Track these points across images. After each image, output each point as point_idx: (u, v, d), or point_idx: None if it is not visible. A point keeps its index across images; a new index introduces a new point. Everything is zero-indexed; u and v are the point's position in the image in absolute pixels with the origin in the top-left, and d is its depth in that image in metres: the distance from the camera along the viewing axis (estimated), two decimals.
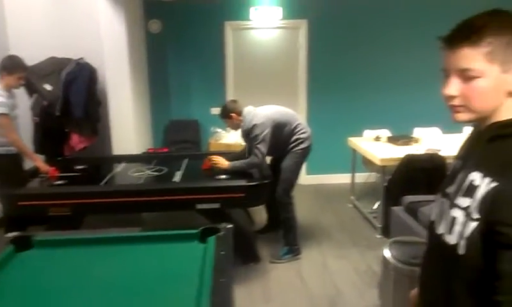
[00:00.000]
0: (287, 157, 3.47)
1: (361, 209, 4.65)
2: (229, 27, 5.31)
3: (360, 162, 4.77)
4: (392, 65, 5.50)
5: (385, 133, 4.84)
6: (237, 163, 3.33)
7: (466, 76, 0.95)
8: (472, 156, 1.05)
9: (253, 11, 5.17)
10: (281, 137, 3.42)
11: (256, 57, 5.45)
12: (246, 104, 3.62)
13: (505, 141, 0.98)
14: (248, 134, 3.34)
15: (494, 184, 0.91)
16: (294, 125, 3.45)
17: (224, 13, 5.25)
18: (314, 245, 3.89)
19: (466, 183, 0.99)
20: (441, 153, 3.85)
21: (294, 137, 3.44)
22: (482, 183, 0.94)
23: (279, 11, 5.19)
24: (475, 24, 0.94)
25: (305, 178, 5.77)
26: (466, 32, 0.94)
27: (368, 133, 4.91)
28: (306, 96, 5.55)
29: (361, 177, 5.20)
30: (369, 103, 5.56)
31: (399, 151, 3.97)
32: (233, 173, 3.31)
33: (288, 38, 5.44)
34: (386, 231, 3.79)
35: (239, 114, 3.40)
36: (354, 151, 4.72)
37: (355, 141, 4.67)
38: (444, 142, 4.20)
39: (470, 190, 0.97)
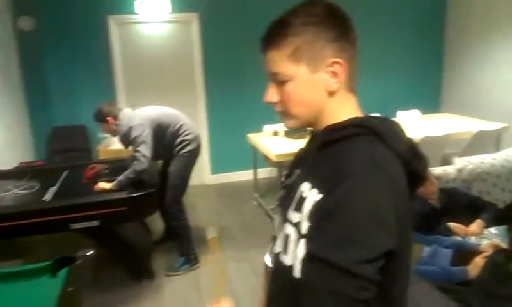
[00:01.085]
0: (173, 161, 3.21)
1: (265, 206, 4.55)
2: (113, 22, 4.87)
3: (262, 157, 4.67)
4: None
5: (282, 126, 4.79)
6: (122, 177, 2.98)
7: (278, 80, 0.87)
8: (305, 164, 0.91)
9: (138, 4, 4.79)
10: (164, 140, 3.15)
11: (148, 54, 5.08)
12: (142, 105, 3.30)
13: (333, 147, 0.84)
14: (127, 138, 3.01)
15: (319, 196, 0.78)
16: (178, 125, 3.19)
17: (106, 7, 4.80)
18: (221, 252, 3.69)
19: (298, 194, 0.85)
20: None
21: (179, 139, 3.18)
22: (310, 195, 0.80)
23: (167, 4, 4.87)
24: (279, 23, 0.86)
25: (209, 177, 5.57)
26: (271, 34, 0.86)
27: (268, 128, 4.82)
28: (204, 93, 5.31)
29: (265, 172, 5.13)
30: None
31: (296, 146, 3.91)
32: (122, 189, 2.96)
33: (180, 32, 5.14)
34: None
35: (116, 117, 3.05)
36: (254, 147, 4.60)
37: (254, 137, 4.55)
38: None
39: (300, 203, 0.83)
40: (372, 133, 0.82)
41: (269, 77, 0.90)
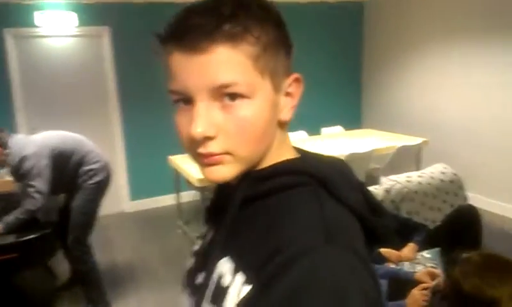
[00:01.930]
0: (77, 194, 2.75)
1: (190, 234, 4.20)
2: (10, 35, 4.28)
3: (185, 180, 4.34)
4: None
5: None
6: (10, 219, 2.47)
7: (228, 97, 0.54)
8: (222, 225, 0.60)
9: (38, 16, 4.26)
10: (66, 170, 2.69)
11: (53, 71, 4.54)
12: (47, 128, 2.82)
13: (262, 204, 0.57)
14: (17, 171, 2.52)
15: (246, 289, 0.51)
16: (83, 153, 2.75)
17: (1, 18, 4.21)
18: (132, 293, 3.26)
19: (215, 278, 0.57)
20: None
21: (84, 168, 2.74)
22: (233, 286, 0.53)
23: (73, 17, 4.39)
24: (231, 9, 0.53)
25: (129, 204, 5.10)
26: (220, 21, 0.52)
27: None
28: (119, 113, 4.85)
29: (190, 196, 4.79)
30: None
31: None
32: (11, 232, 2.46)
33: (89, 47, 4.67)
34: None
35: (4, 145, 2.54)
36: (176, 170, 4.25)
37: (175, 160, 4.20)
38: None
39: (218, 296, 0.54)
40: (317, 182, 0.58)
41: (185, 95, 0.55)
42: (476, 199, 4.22)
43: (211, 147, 0.54)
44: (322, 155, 0.68)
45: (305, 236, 0.51)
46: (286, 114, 0.60)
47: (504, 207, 4.27)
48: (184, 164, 4.00)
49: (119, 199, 4.98)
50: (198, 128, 0.53)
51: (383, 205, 0.67)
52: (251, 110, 0.54)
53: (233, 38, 0.52)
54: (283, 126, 0.61)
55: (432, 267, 2.29)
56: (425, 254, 2.38)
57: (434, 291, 1.93)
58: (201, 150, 0.55)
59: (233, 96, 0.53)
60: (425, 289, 1.94)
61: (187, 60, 0.53)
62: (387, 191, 2.72)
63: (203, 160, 0.56)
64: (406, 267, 2.31)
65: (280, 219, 0.54)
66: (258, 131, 0.55)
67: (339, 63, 5.90)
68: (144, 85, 4.86)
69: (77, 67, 4.63)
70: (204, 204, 3.61)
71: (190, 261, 0.72)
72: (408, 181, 2.78)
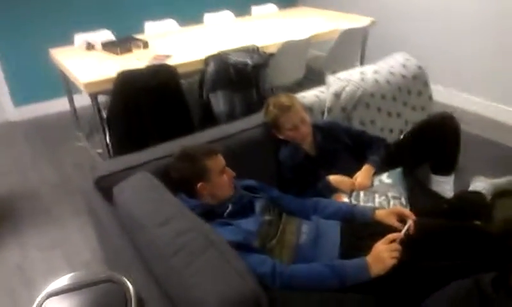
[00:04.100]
0: None
1: (91, 150, 3.36)
2: None
3: None
4: None
5: (103, 36, 3.46)
6: None
7: None
8: None
9: None
10: None
11: None
12: None
13: None
14: None
15: None
16: None
17: None
18: (13, 235, 2.49)
19: None
20: (171, 62, 2.77)
21: None
22: None
23: None
24: None
25: (13, 111, 4.06)
26: None
27: (80, 40, 3.43)
28: None
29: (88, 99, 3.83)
30: None
31: (116, 66, 2.70)
32: None
33: None
34: None
35: None
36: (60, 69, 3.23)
37: (58, 54, 3.16)
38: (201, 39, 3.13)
39: None
40: None
41: None
42: (441, 94, 3.72)
43: None
44: None
45: None
46: None
47: (476, 102, 3.77)
48: (68, 59, 3.00)
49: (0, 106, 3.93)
50: None
51: None
52: None
53: None
54: None
55: (394, 196, 1.75)
56: (385, 178, 1.82)
57: (404, 242, 1.38)
58: None
59: None
60: (393, 241, 1.39)
61: None
62: (336, 95, 2.05)
63: None
64: (362, 199, 1.75)
65: None
66: None
67: None
68: None
69: None
70: (102, 115, 2.74)
71: None
72: (362, 79, 2.12)
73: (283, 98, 1.87)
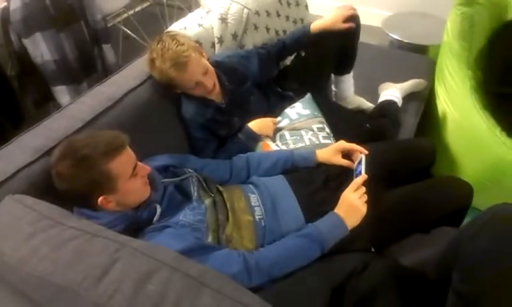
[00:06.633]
0: None
1: None
2: None
3: None
4: None
5: None
6: None
7: None
8: None
9: None
10: None
11: None
12: None
13: None
14: None
15: None
16: None
17: None
18: None
19: None
20: None
21: None
22: None
23: None
24: None
25: None
26: None
27: None
28: None
29: None
30: None
31: None
32: None
33: None
34: None
35: None
36: None
37: None
38: None
39: None
40: None
41: None
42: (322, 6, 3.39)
43: None
44: None
45: None
46: None
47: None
48: None
49: None
50: None
51: None
52: None
53: None
54: None
55: (319, 128, 1.58)
56: (301, 110, 1.61)
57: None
58: None
59: None
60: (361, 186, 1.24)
61: None
62: (223, 20, 1.66)
63: None
64: (290, 141, 1.52)
65: None
66: None
67: None
68: None
69: None
70: None
71: None
72: None
73: (172, 46, 1.35)
